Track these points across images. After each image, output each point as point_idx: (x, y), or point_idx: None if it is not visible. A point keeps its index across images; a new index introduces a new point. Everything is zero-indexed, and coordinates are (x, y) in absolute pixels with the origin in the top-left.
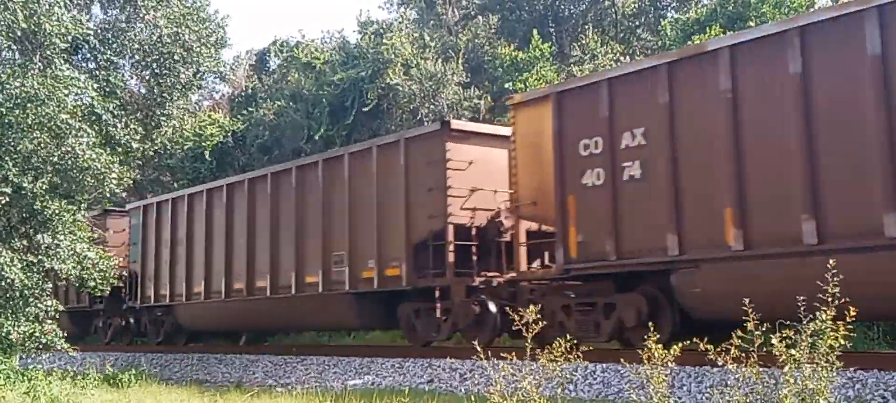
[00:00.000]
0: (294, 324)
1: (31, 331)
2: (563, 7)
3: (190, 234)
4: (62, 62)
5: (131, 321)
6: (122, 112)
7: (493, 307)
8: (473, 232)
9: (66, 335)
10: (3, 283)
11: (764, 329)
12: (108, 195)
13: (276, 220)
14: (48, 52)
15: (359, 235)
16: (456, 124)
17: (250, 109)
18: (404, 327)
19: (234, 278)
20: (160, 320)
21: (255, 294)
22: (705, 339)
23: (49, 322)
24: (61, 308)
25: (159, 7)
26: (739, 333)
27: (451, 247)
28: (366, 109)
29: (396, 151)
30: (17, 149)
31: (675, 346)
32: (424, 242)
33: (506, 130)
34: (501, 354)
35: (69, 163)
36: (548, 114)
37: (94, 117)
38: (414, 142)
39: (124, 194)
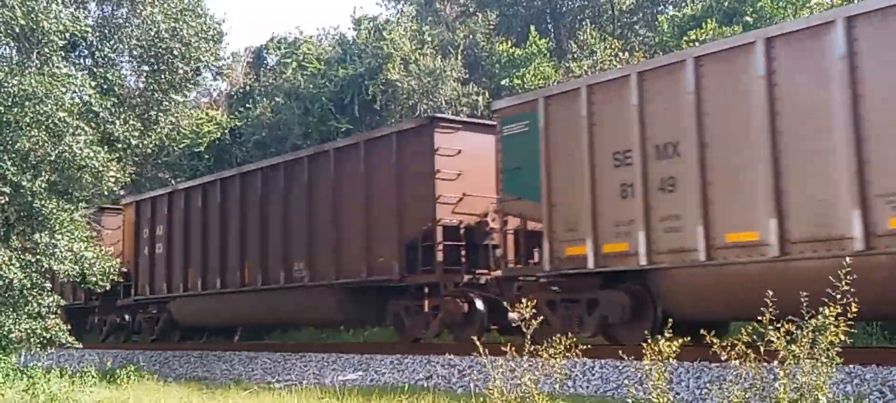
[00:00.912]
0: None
1: (32, 328)
2: (560, 3)
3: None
4: (60, 59)
5: (479, 305)
6: (120, 108)
7: None
8: None
9: (70, 328)
10: (2, 283)
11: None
12: (105, 193)
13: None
14: (46, 50)
15: None
16: None
17: (248, 106)
18: None
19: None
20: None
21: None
22: (712, 333)
23: (52, 317)
24: (63, 302)
25: (156, 2)
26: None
27: None
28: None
29: None
30: (15, 147)
31: (674, 342)
32: None
33: None
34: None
35: (66, 161)
36: None
37: (91, 115)
38: None
39: (122, 192)
